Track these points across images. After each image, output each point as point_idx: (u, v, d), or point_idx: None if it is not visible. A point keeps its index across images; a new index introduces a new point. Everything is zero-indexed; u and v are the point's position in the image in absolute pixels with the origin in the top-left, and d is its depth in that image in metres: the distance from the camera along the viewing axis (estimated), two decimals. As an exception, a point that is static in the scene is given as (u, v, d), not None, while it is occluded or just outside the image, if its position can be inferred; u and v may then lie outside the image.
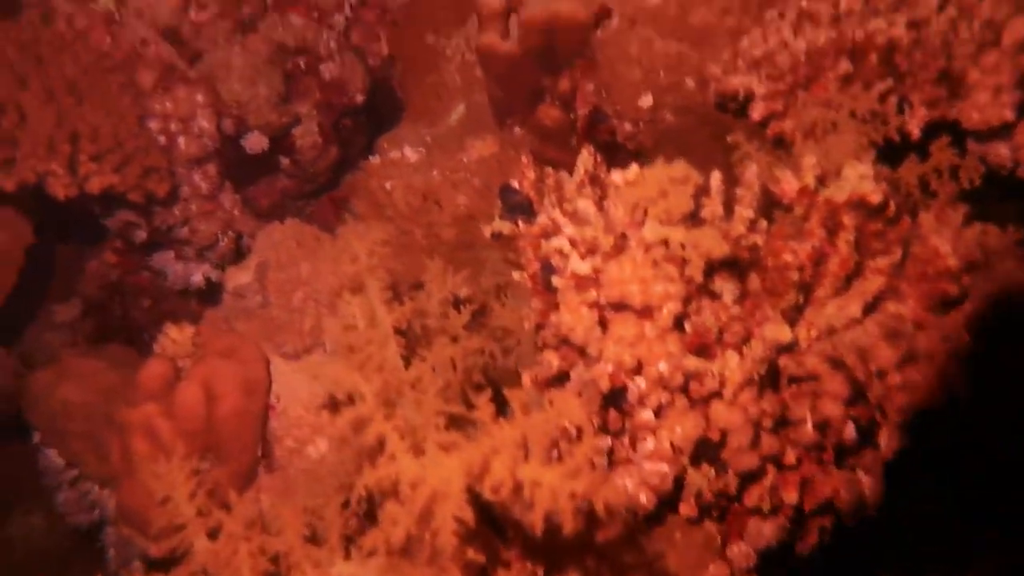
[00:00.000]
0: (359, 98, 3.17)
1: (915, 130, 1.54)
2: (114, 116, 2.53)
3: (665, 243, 1.28)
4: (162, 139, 2.71)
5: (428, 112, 2.99)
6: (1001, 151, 1.53)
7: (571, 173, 2.47)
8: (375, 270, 1.66)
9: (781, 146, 1.63)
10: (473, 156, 2.41)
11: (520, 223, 1.60)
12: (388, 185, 2.49)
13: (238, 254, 3.02)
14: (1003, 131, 1.48)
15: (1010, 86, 1.44)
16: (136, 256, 3.23)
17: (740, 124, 2.03)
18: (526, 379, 1.64)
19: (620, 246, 1.34)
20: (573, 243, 1.38)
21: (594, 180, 1.54)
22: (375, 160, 2.60)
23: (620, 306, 1.34)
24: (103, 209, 2.80)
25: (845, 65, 1.52)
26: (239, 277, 2.56)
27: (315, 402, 2.29)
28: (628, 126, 2.16)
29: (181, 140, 2.74)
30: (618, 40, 2.12)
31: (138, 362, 3.18)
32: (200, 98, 2.72)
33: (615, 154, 2.44)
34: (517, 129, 2.49)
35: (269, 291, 2.44)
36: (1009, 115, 1.44)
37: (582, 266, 1.36)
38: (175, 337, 2.15)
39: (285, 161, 3.14)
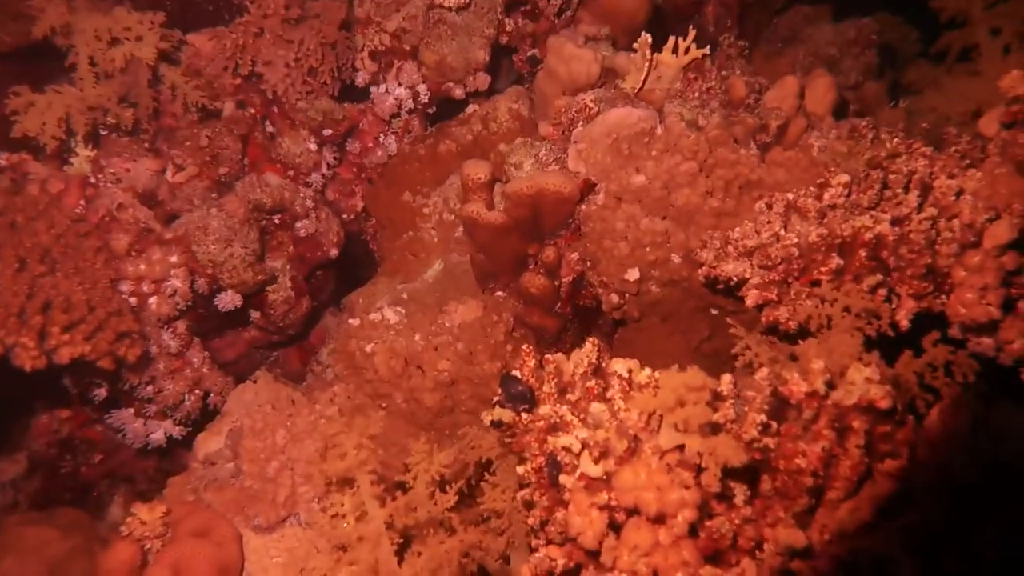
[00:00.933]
0: (333, 252, 3.18)
1: (904, 321, 1.59)
2: (87, 282, 2.48)
3: (680, 448, 1.27)
4: (133, 300, 2.66)
5: (404, 268, 3.01)
6: (985, 342, 1.58)
7: (557, 336, 2.49)
8: (365, 464, 1.61)
9: (775, 332, 1.67)
10: (456, 320, 2.41)
11: (522, 414, 1.58)
12: (368, 348, 2.46)
13: (204, 413, 2.93)
14: (990, 326, 1.54)
15: (995, 286, 1.50)
16: (90, 411, 3.11)
17: (729, 303, 2.08)
18: (527, 574, 1.59)
19: (633, 450, 1.32)
20: (584, 445, 1.36)
21: (596, 371, 1.54)
22: (355, 322, 2.58)
23: (633, 511, 1.31)
24: (66, 374, 2.71)
25: (836, 260, 1.58)
26: (209, 443, 2.47)
27: (290, 582, 2.17)
28: (615, 297, 2.19)
29: (152, 301, 2.69)
30: (604, 215, 2.18)
31: (90, 527, 3.02)
32: (174, 259, 2.70)
33: (596, 319, 2.47)
34: (500, 293, 2.51)
35: (242, 459, 2.35)
36: (996, 314, 1.50)
37: (594, 469, 1.34)
38: (144, 518, 2.04)
39: (255, 314, 3.10)
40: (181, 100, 2.82)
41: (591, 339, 1.56)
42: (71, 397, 3.09)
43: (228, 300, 2.84)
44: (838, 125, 2.23)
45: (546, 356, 1.66)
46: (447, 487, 1.78)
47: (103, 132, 2.80)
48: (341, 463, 1.58)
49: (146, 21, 2.61)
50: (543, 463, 1.48)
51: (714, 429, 1.26)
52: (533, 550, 1.67)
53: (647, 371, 1.35)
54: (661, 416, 1.30)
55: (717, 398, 1.30)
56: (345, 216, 3.33)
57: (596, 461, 1.33)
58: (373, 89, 3.09)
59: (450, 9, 3.00)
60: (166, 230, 2.80)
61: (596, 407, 1.36)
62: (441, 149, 3.05)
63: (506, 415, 1.60)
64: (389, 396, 2.42)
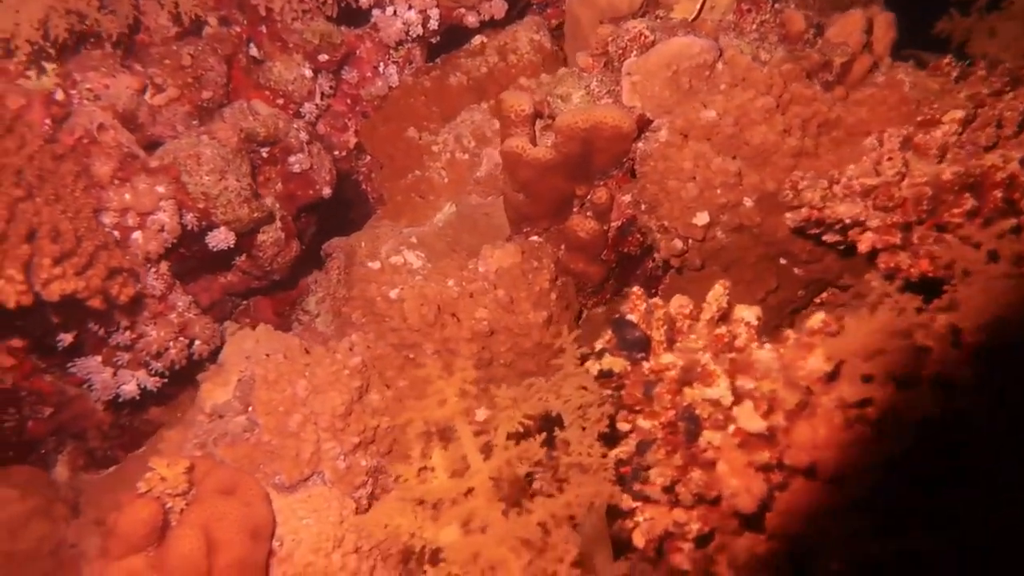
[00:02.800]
0: (326, 191, 2.92)
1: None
2: (70, 211, 2.17)
3: (866, 403, 1.15)
4: (116, 235, 2.37)
5: (410, 210, 2.79)
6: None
7: (600, 285, 2.34)
8: (466, 414, 1.43)
9: (892, 280, 1.56)
10: (492, 266, 2.22)
11: (638, 361, 1.43)
12: (393, 294, 2.25)
13: (191, 363, 2.66)
14: None
15: None
16: (36, 358, 2.79)
17: (804, 252, 1.97)
18: (639, 539, 1.45)
19: (806, 404, 1.19)
20: (741, 397, 1.22)
21: (724, 317, 1.40)
22: (375, 265, 2.36)
23: (808, 472, 1.18)
24: (27, 315, 2.39)
25: (970, 201, 1.48)
26: (216, 395, 2.22)
27: (324, 545, 1.97)
28: (679, 243, 2.05)
29: (137, 236, 2.39)
30: (668, 154, 2.02)
31: (48, 486, 2.73)
32: (162, 189, 2.40)
33: (636, 267, 2.33)
34: (535, 238, 2.33)
35: (257, 412, 2.12)
36: None
37: (756, 424, 1.21)
38: (165, 473, 1.79)
39: (240, 257, 2.83)
40: (169, 11, 2.49)
41: (721, 282, 1.41)
42: (13, 342, 2.77)
43: (220, 238, 2.56)
44: (899, 65, 2.13)
45: (654, 300, 1.50)
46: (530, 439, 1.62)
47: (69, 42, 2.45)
48: (440, 411, 1.39)
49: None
50: (676, 417, 1.34)
51: (915, 382, 1.14)
52: (628, 513, 1.54)
53: (821, 314, 1.22)
54: (840, 365, 1.17)
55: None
56: (336, 153, 3.06)
57: (765, 416, 1.19)
58: (376, 12, 2.82)
59: (465, -74, 2.75)
60: (151, 157, 2.49)
61: (764, 355, 1.22)
62: (451, 82, 2.83)
63: (618, 364, 1.45)
64: (418, 346, 2.22)
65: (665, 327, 1.46)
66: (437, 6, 2.76)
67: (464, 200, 2.65)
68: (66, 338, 2.57)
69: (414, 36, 2.81)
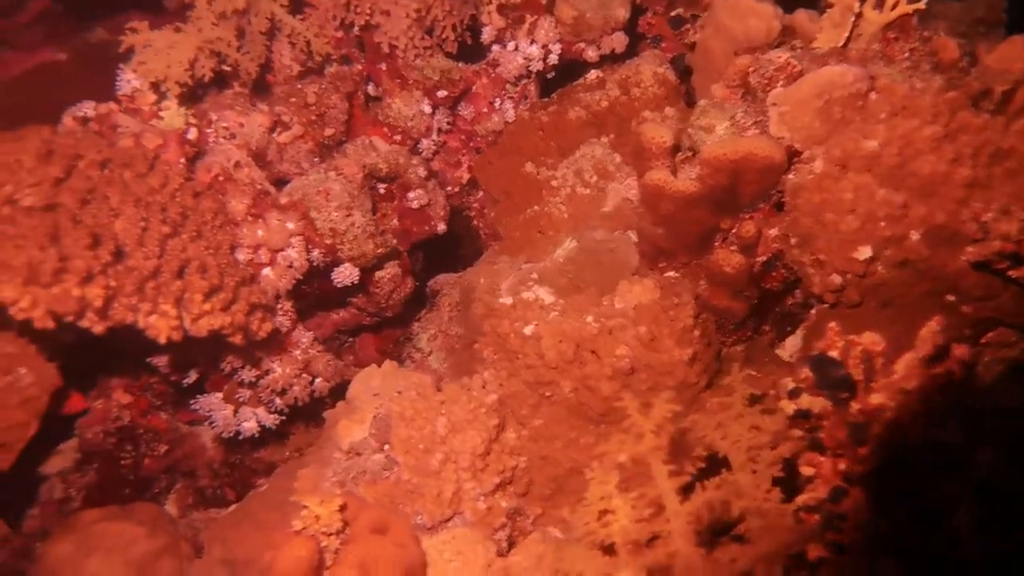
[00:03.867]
0: (441, 227, 2.91)
1: None
2: (211, 247, 2.18)
3: None
4: (248, 271, 2.37)
5: (529, 245, 2.75)
6: None
7: (742, 322, 2.26)
8: (661, 451, 1.36)
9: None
10: (630, 302, 2.16)
11: (842, 401, 1.35)
12: (528, 330, 2.20)
13: (312, 401, 2.64)
14: None
15: None
16: (151, 396, 2.81)
17: (979, 288, 1.87)
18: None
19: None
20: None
21: (937, 355, 1.31)
22: (507, 301, 2.31)
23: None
24: (166, 351, 2.40)
25: None
26: (353, 432, 2.18)
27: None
28: (836, 278, 1.97)
29: (268, 272, 2.40)
30: (825, 185, 1.95)
31: (172, 524, 2.71)
32: (292, 226, 2.40)
33: (776, 304, 2.25)
34: (672, 273, 2.27)
35: (395, 449, 2.08)
36: None
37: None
38: (319, 511, 1.75)
39: (358, 294, 2.82)
40: (300, 49, 2.52)
41: (936, 318, 1.33)
42: (132, 379, 2.79)
43: (345, 274, 2.56)
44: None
45: (850, 337, 1.43)
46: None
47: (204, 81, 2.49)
48: (635, 446, 1.32)
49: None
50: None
51: None
52: (814, 564, 1.45)
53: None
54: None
55: None
56: (449, 188, 3.05)
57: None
58: (495, 47, 2.82)
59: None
60: (280, 194, 2.50)
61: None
62: (570, 116, 2.80)
63: (817, 403, 1.37)
64: (554, 384, 2.16)
65: (863, 365, 1.38)
66: (559, 40, 2.75)
67: (586, 235, 2.60)
68: (192, 375, 2.58)
69: (533, 71, 2.79)
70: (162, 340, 1.95)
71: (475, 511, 2.05)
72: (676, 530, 1.29)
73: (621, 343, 2.12)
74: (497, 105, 2.92)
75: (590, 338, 2.13)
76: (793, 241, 2.05)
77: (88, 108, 2.45)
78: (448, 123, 2.89)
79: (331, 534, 1.76)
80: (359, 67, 2.80)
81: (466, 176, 3.05)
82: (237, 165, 2.37)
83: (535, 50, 2.73)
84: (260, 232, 2.35)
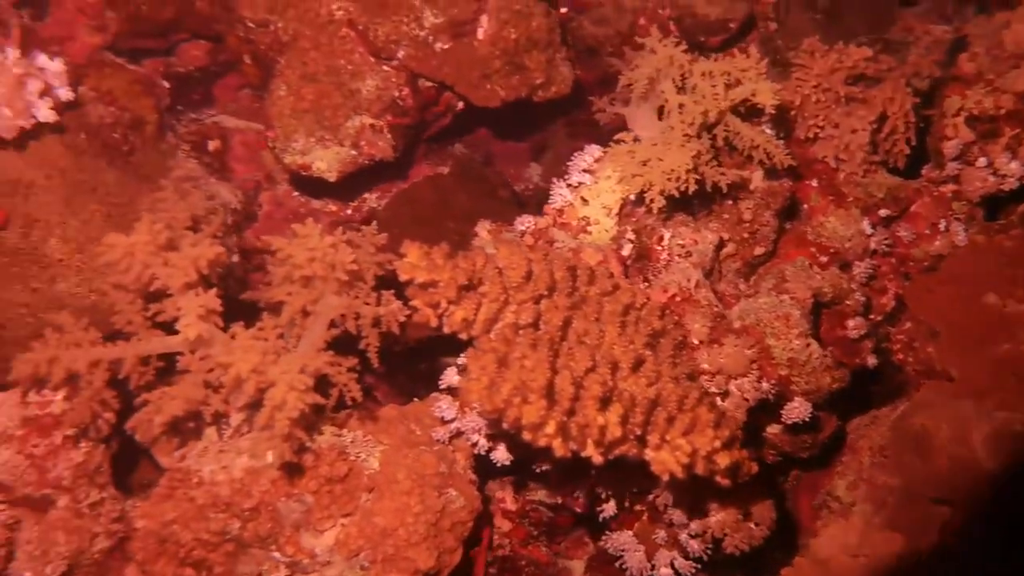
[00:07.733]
0: (871, 361, 2.56)
1: None
2: (686, 372, 1.97)
3: None
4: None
5: (1000, 390, 2.32)
6: None
7: None
8: None
9: None
10: None
11: None
12: None
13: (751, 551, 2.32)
14: None
15: None
16: (529, 525, 2.62)
17: None
18: None
19: None
20: None
21: None
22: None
23: None
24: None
25: None
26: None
27: None
28: None
29: (724, 404, 2.14)
30: None
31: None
32: (749, 352, 2.15)
33: None
34: None
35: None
36: None
37: None
38: None
39: (774, 429, 2.51)
40: (760, 161, 2.33)
41: None
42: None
43: (798, 411, 2.25)
44: None
45: None
46: None
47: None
48: None
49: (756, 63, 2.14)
50: None
51: None
52: None
53: None
54: None
55: None
56: (871, 316, 2.71)
57: None
58: (952, 164, 2.50)
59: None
60: (730, 317, 2.27)
61: None
62: (1049, 241, 2.40)
63: None
64: None
65: None
66: (1035, 156, 2.40)
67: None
68: (608, 508, 2.36)
69: (1007, 190, 2.44)
70: (664, 477, 1.72)
71: None
72: None
73: None
74: (941, 227, 2.58)
75: None
76: None
77: (528, 221, 2.39)
78: (887, 245, 2.57)
79: None
80: (788, 182, 2.58)
81: (891, 304, 2.70)
82: (698, 285, 2.17)
83: (1016, 166, 2.38)
84: (721, 359, 2.12)
